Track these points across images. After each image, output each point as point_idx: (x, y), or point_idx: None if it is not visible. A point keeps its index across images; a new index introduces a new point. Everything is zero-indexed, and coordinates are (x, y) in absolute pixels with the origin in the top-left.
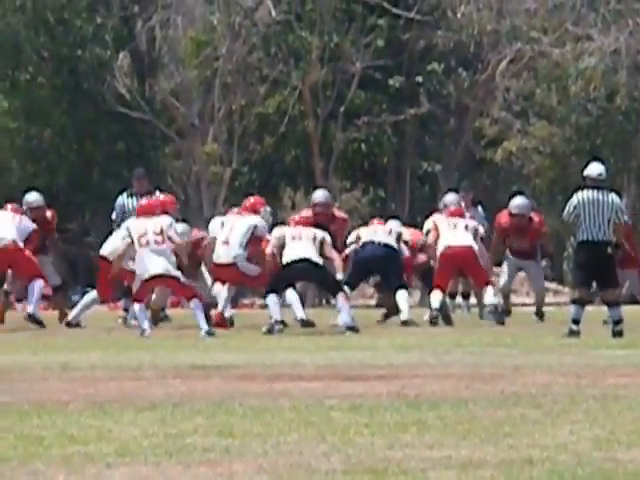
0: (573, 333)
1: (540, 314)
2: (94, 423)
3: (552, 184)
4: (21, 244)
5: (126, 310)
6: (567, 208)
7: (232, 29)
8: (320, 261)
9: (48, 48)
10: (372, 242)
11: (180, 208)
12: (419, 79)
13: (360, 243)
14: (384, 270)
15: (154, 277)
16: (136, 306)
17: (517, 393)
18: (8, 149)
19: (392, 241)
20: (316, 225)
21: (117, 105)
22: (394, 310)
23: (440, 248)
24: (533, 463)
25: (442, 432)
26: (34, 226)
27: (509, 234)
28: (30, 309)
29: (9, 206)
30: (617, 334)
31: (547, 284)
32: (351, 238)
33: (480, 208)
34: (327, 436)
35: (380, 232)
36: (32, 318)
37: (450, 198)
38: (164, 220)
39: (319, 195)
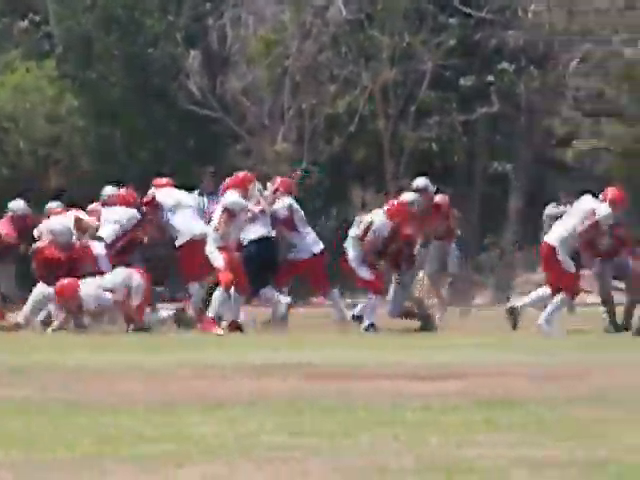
0: None
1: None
2: (165, 422)
3: (623, 184)
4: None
5: None
6: None
7: (302, 28)
8: None
9: (119, 47)
10: None
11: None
12: (490, 78)
13: None
14: None
15: None
16: None
17: (590, 393)
18: (79, 147)
19: None
20: None
21: (188, 103)
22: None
23: None
24: (606, 464)
25: (512, 432)
26: None
27: None
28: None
29: None
30: None
31: None
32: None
33: None
34: (399, 435)
35: None
36: None
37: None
38: None
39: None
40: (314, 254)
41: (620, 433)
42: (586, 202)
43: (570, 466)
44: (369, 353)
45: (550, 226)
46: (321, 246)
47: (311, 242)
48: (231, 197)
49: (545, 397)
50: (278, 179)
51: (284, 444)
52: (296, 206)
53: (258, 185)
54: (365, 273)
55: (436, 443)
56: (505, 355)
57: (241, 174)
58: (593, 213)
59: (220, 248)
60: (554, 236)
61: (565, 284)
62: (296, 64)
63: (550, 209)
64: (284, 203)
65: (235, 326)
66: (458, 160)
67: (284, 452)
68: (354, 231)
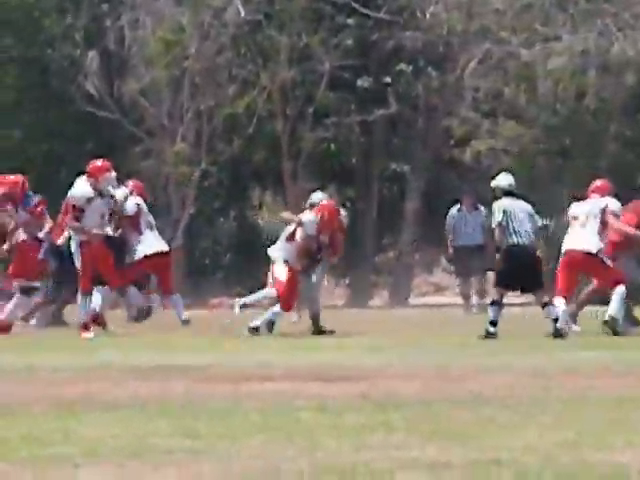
0: (491, 335)
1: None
2: (60, 425)
3: (520, 185)
4: None
5: None
6: (495, 213)
7: (201, 29)
8: None
9: (16, 47)
10: None
11: (149, 207)
12: (388, 79)
13: None
14: None
15: None
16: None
17: (484, 394)
18: None
19: None
20: None
21: (86, 105)
22: None
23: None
24: (500, 464)
25: (408, 433)
26: None
27: None
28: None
29: None
30: (558, 333)
31: None
32: None
33: (482, 209)
34: (294, 438)
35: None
36: None
37: None
38: None
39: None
40: (146, 255)
41: (516, 434)
42: (594, 203)
43: (467, 467)
44: (264, 355)
45: (454, 228)
46: (158, 248)
47: (147, 244)
48: (76, 191)
49: (442, 398)
50: (130, 182)
51: (178, 446)
52: (145, 209)
53: (113, 178)
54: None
55: (332, 446)
56: (402, 357)
57: (99, 162)
58: (605, 209)
59: (82, 243)
60: (587, 245)
61: (616, 277)
62: (195, 65)
63: (454, 212)
64: (134, 200)
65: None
66: (356, 161)
67: (178, 455)
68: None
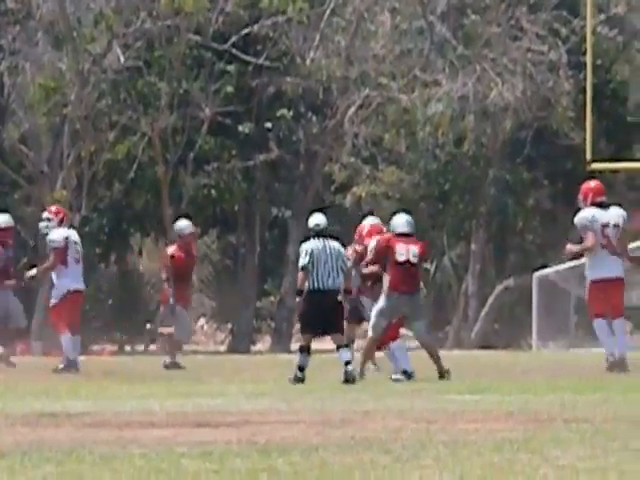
0: (298, 380)
1: None
2: None
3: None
4: None
5: None
6: (302, 256)
7: (81, 75)
8: None
9: None
10: None
11: (30, 253)
12: (268, 125)
13: None
14: None
15: None
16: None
17: (367, 438)
18: None
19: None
20: None
21: None
22: None
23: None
24: None
25: (293, 479)
26: None
27: None
28: None
29: None
30: (349, 377)
31: None
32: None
33: None
34: None
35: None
36: None
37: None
38: None
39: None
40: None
41: (399, 478)
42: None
43: None
44: (147, 401)
45: None
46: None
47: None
48: None
49: (326, 443)
50: None
51: None
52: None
53: None
54: None
55: None
56: (285, 402)
57: None
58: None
59: None
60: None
61: None
62: (75, 111)
63: None
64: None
65: None
66: (237, 207)
67: None
68: None
